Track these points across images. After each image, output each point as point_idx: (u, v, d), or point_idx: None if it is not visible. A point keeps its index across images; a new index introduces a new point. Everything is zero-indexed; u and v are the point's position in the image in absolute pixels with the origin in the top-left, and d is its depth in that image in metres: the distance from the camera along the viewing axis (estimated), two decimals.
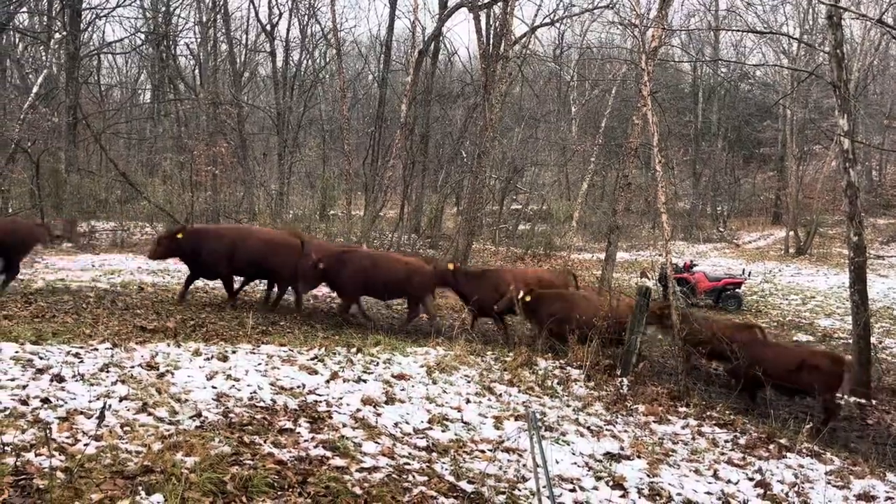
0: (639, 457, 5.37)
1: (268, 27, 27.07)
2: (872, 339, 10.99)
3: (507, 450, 4.95)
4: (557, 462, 4.89)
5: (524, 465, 4.68)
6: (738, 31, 28.82)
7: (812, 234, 29.13)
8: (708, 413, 7.05)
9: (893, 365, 12.11)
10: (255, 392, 5.19)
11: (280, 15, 33.25)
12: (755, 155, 42.12)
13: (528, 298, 9.28)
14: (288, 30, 38.97)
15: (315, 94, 30.24)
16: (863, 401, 9.11)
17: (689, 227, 34.32)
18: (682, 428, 6.48)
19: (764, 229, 35.98)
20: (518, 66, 22.97)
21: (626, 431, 6.08)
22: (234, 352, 6.44)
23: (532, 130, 27.81)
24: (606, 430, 6.02)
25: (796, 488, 5.21)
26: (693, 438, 6.21)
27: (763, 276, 23.15)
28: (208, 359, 6.00)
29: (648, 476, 5.01)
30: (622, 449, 5.51)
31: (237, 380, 5.42)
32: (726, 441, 6.27)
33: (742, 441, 6.29)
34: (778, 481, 5.33)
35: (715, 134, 38.42)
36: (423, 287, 10.26)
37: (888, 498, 5.38)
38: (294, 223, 20.37)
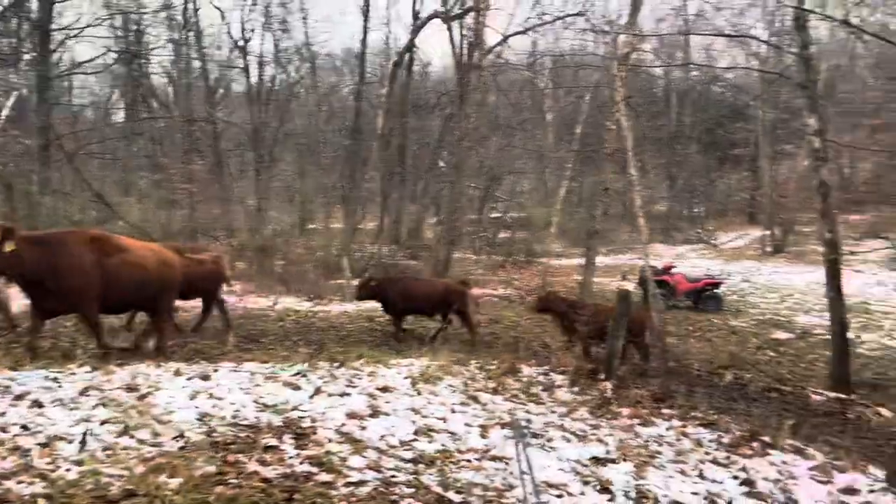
0: (625, 460, 5.39)
1: (240, 42, 27.01)
2: (850, 334, 11.15)
3: (494, 458, 4.96)
4: (544, 468, 4.90)
5: (511, 473, 4.68)
6: (708, 34, 29.12)
7: (787, 233, 29.52)
8: (691, 414, 7.09)
9: (871, 359, 12.28)
10: (238, 410, 5.15)
11: (252, 31, 33.24)
12: (729, 156, 42.60)
13: None
14: (261, 45, 38.92)
15: (290, 108, 30.17)
16: (842, 395, 9.23)
17: (666, 230, 34.58)
18: (667, 429, 6.52)
19: (741, 229, 36.37)
20: (492, 75, 23.11)
21: (611, 435, 6.10)
22: (216, 370, 6.39)
23: (509, 139, 27.95)
24: (592, 434, 6.04)
25: (780, 485, 5.27)
26: (678, 439, 6.25)
27: (740, 276, 23.40)
28: (190, 378, 5.95)
29: (635, 479, 5.04)
30: (608, 453, 5.53)
31: (220, 399, 5.37)
32: (710, 441, 6.31)
33: (726, 440, 6.33)
34: (763, 479, 5.37)
35: (689, 137, 38.85)
36: None
37: (871, 491, 5.44)
38: (274, 238, 20.30)
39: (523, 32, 25.17)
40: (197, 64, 26.75)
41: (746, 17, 34.87)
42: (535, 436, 5.68)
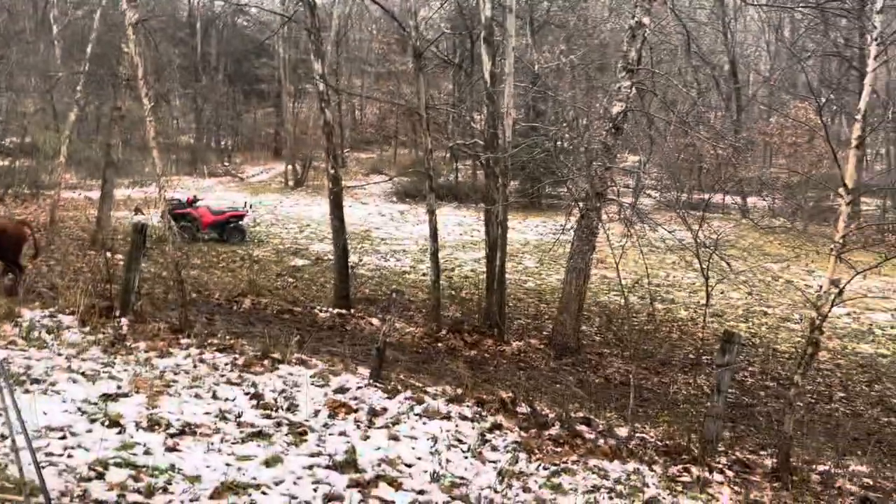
0: (137, 392, 5.39)
1: None
2: (352, 258, 12.78)
3: None
4: (46, 413, 4.62)
5: (2, 423, 4.30)
6: None
7: (307, 168, 31.85)
8: (209, 341, 7.37)
9: (369, 278, 14.29)
10: None
11: None
12: (255, 91, 43.66)
13: None
14: None
15: None
16: (344, 311, 10.61)
17: (193, 162, 34.12)
18: (185, 358, 6.67)
19: (266, 163, 37.93)
20: None
21: (125, 371, 6.00)
22: None
23: (3, 50, 23.87)
24: (104, 372, 5.85)
25: (284, 393, 5.90)
26: (195, 366, 6.46)
27: (265, 208, 24.58)
28: None
29: (147, 409, 5.09)
30: (119, 388, 5.45)
31: None
32: (226, 364, 6.68)
33: (240, 361, 6.77)
34: (270, 391, 5.94)
35: (215, 68, 38.53)
36: None
37: (358, 387, 6.46)
38: None
39: None
40: None
41: None
42: (35, 381, 5.28)
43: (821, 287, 5.74)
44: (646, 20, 9.27)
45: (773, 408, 8.34)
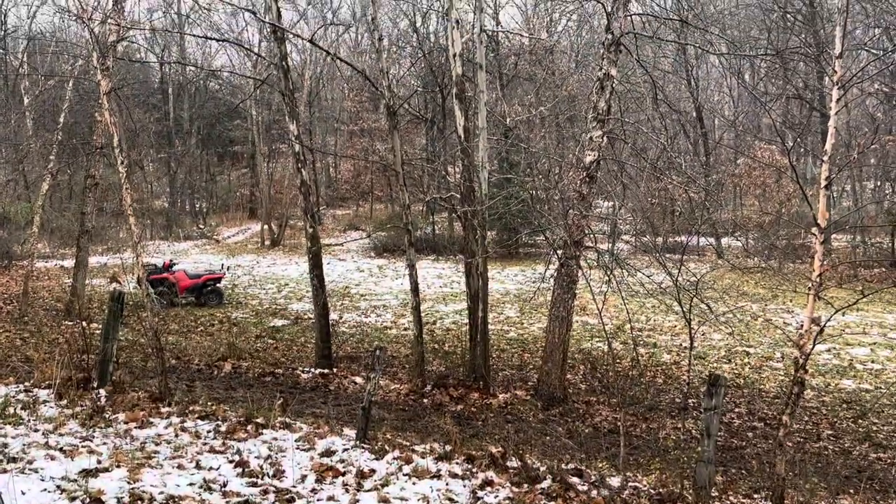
0: (118, 466, 5.24)
1: None
2: (333, 316, 12.69)
3: None
4: (24, 493, 4.47)
5: None
6: (198, 36, 29.63)
7: (283, 227, 31.87)
8: (191, 408, 7.22)
9: (350, 335, 14.17)
10: None
11: None
12: (228, 153, 43.93)
13: None
14: None
15: None
16: (326, 370, 10.47)
17: (168, 226, 33.99)
18: (166, 427, 6.52)
19: (242, 223, 37.89)
20: None
21: (105, 444, 5.85)
22: None
23: None
24: (83, 447, 5.69)
25: (270, 459, 5.77)
26: (176, 435, 6.31)
27: (242, 269, 24.43)
28: None
29: (129, 483, 4.94)
30: (100, 462, 5.30)
31: None
32: (209, 431, 6.53)
33: (223, 428, 6.63)
34: (255, 457, 5.81)
35: (188, 132, 38.74)
36: None
37: (345, 449, 6.34)
38: None
39: None
40: None
41: (240, 19, 36.40)
42: (12, 460, 5.11)
43: (801, 325, 5.80)
44: (613, 71, 9.51)
45: (762, 449, 8.31)
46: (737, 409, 9.94)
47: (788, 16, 25.01)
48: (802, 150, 29.31)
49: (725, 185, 28.92)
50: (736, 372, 11.85)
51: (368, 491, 5.22)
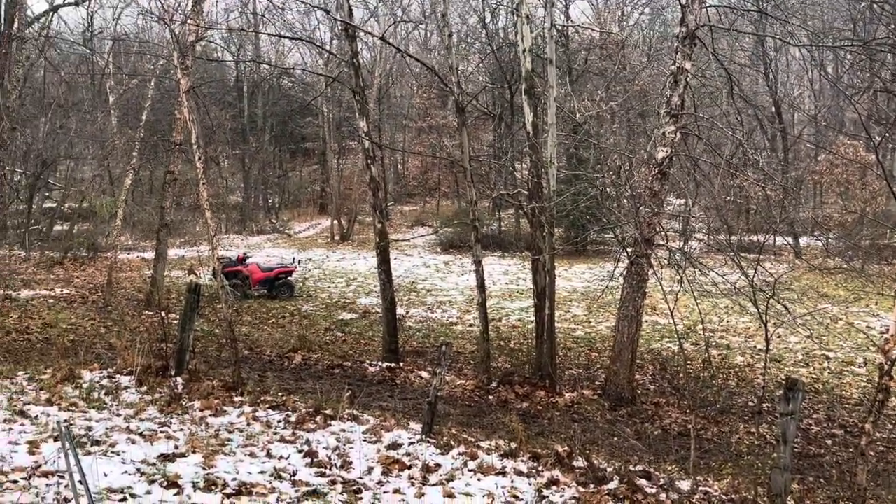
0: (194, 452, 5.43)
1: None
2: (400, 311, 12.81)
3: (46, 474, 4.56)
4: (106, 475, 4.68)
5: (66, 486, 4.36)
6: (272, 35, 30.33)
7: (352, 222, 32.33)
8: (262, 398, 7.42)
9: (417, 330, 14.27)
10: None
11: None
12: (300, 149, 44.87)
13: None
14: None
15: None
16: (393, 364, 10.58)
17: (242, 220, 34.95)
18: (238, 416, 6.72)
19: (312, 219, 38.63)
20: (38, 48, 20.45)
21: (181, 430, 6.07)
22: None
23: (62, 120, 25.09)
24: (161, 432, 5.92)
25: (338, 450, 5.87)
26: (248, 424, 6.49)
27: (312, 263, 24.92)
28: None
29: (204, 469, 5.12)
30: (177, 448, 5.50)
31: None
32: (279, 421, 6.70)
33: (293, 418, 6.79)
34: (323, 448, 5.92)
35: (261, 129, 39.72)
36: None
37: (411, 443, 6.39)
38: None
39: (75, 4, 22.88)
40: None
41: (313, 17, 37.09)
42: (96, 443, 5.36)
43: (886, 329, 5.52)
44: (687, 65, 9.27)
45: (842, 457, 7.97)
46: (815, 416, 9.56)
47: (875, 5, 23.85)
48: (891, 145, 27.88)
49: (805, 182, 27.83)
50: (814, 376, 11.40)
51: (434, 485, 5.25)
